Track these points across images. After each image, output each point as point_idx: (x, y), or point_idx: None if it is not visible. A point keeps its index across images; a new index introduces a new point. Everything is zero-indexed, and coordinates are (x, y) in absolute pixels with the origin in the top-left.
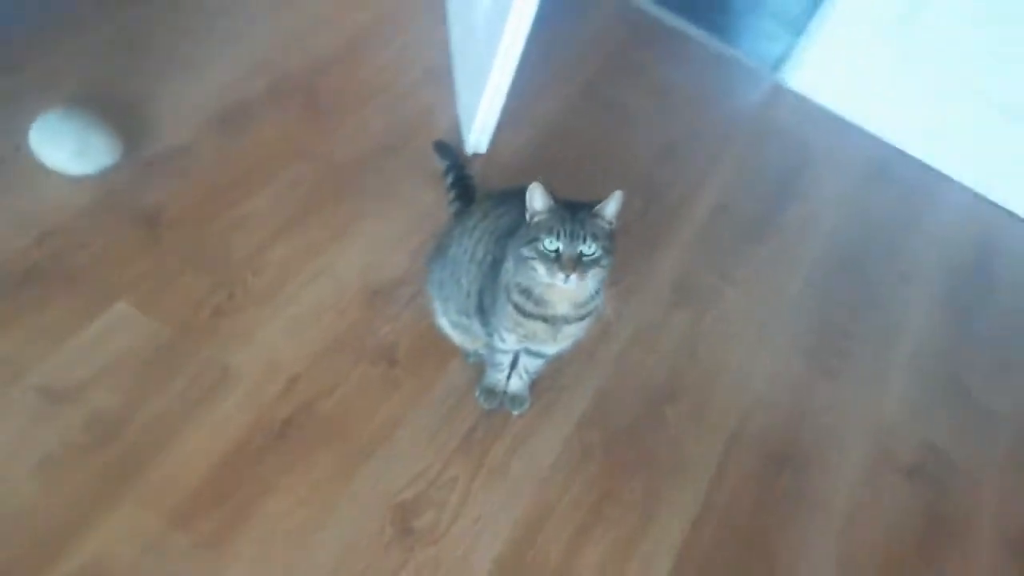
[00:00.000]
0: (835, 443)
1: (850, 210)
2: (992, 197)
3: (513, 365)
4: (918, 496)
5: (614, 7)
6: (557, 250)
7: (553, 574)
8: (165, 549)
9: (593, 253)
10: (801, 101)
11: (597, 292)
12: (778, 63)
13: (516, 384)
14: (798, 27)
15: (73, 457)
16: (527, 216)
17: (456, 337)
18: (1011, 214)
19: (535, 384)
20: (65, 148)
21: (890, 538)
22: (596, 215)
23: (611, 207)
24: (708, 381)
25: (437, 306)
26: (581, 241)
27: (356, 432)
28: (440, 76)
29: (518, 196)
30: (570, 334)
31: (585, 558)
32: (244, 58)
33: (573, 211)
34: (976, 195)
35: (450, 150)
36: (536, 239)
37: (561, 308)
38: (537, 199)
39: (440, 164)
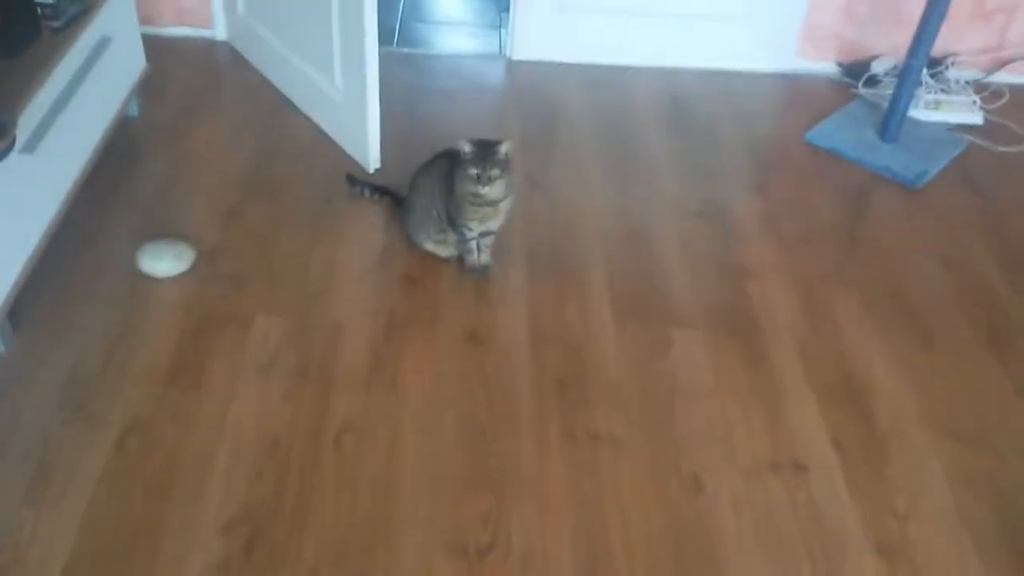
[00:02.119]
0: (657, 214)
1: (594, 111)
2: (668, 65)
3: (478, 249)
4: (706, 221)
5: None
6: (477, 174)
7: (573, 338)
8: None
9: (497, 174)
10: (527, 63)
11: (509, 185)
12: (503, 48)
13: (484, 258)
14: (497, 23)
15: None
16: (462, 154)
17: (439, 250)
18: (686, 70)
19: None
20: (167, 259)
21: (692, 242)
22: (496, 152)
23: (503, 149)
24: (568, 221)
25: (421, 239)
26: (489, 168)
27: (442, 315)
28: (325, 143)
29: (440, 158)
30: (503, 209)
31: (569, 316)
32: (215, 181)
33: (483, 152)
34: (658, 68)
35: (356, 179)
36: (466, 169)
37: (492, 197)
38: (465, 147)
39: (355, 189)
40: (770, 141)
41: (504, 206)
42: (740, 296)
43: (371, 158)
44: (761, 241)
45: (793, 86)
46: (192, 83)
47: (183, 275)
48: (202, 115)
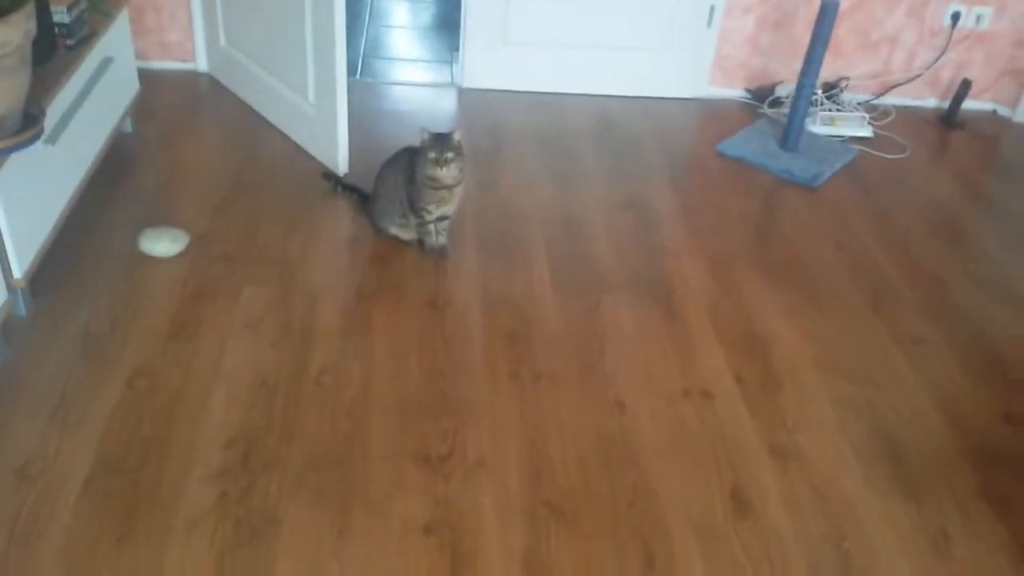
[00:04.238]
0: (589, 207)
1: (534, 130)
2: (597, 92)
3: (436, 232)
4: (630, 212)
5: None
6: (435, 157)
7: (519, 303)
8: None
9: (451, 156)
10: (475, 91)
11: (462, 171)
12: (455, 78)
13: (442, 240)
14: (448, 59)
15: None
16: (421, 141)
17: (402, 234)
18: (613, 96)
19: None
20: (165, 241)
21: (619, 228)
22: (451, 139)
23: (456, 136)
24: (514, 213)
25: (386, 224)
26: (445, 151)
27: (405, 286)
28: (299, 152)
29: (401, 153)
30: (457, 194)
31: (514, 286)
32: (204, 182)
33: (440, 138)
34: (588, 95)
35: (331, 175)
36: (426, 154)
37: (448, 181)
38: (424, 135)
39: (330, 184)
40: (685, 152)
41: (458, 191)
42: (659, 269)
43: (341, 162)
44: (677, 228)
45: (706, 109)
46: (178, 106)
47: (179, 256)
48: (189, 131)
